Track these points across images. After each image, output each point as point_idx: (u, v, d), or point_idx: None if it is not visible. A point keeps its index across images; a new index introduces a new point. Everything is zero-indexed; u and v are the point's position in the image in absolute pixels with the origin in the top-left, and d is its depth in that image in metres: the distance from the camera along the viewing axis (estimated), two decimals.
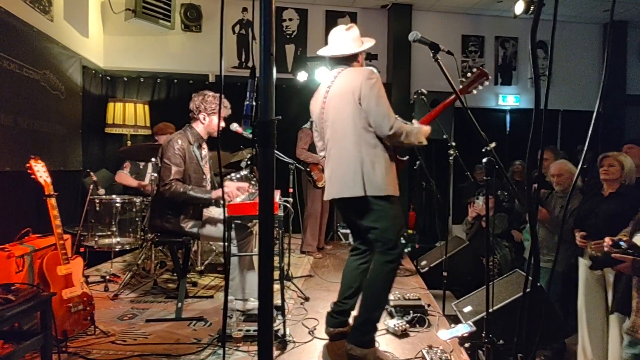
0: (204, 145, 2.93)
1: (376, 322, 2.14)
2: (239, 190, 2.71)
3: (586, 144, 1.05)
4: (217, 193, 2.68)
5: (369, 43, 2.32)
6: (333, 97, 2.22)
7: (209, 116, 2.80)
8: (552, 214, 3.20)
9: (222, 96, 2.77)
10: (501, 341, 2.11)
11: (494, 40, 6.14)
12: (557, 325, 2.72)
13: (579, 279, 2.76)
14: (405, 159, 2.40)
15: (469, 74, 2.23)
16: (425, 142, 2.21)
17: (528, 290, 1.20)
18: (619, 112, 6.08)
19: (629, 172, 2.69)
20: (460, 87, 2.22)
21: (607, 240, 1.87)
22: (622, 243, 1.72)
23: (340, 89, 2.19)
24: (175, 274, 3.57)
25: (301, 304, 2.98)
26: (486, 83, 2.27)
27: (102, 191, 3.58)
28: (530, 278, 1.15)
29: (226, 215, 2.33)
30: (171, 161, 2.66)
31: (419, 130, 2.17)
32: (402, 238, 2.27)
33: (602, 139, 5.54)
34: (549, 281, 2.85)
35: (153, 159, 3.44)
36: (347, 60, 2.27)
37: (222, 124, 2.79)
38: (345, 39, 2.26)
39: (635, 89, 6.21)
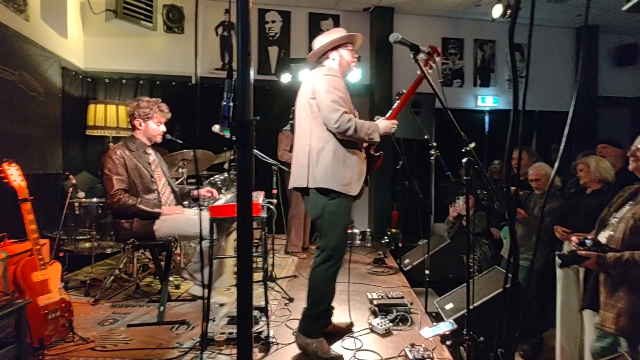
0: (149, 151, 2.91)
1: (319, 315, 2.23)
2: (206, 194, 2.83)
3: (562, 145, 1.04)
4: (167, 209, 2.72)
5: (334, 35, 2.31)
6: (299, 96, 2.35)
7: (145, 122, 2.82)
8: (531, 214, 3.28)
9: (159, 100, 2.87)
10: (481, 338, 2.15)
11: (473, 43, 6.25)
12: (535, 321, 2.79)
13: (557, 275, 2.83)
14: (379, 154, 2.42)
15: (421, 54, 2.12)
16: (377, 139, 2.23)
17: (507, 286, 1.23)
18: (591, 112, 6.28)
19: (595, 170, 2.78)
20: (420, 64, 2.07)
21: (574, 239, 1.94)
22: (587, 241, 1.82)
23: (304, 88, 2.31)
24: (157, 277, 3.52)
25: (285, 304, 2.98)
26: (437, 59, 2.23)
27: (81, 194, 3.51)
28: (509, 276, 1.18)
29: (204, 217, 2.38)
30: (111, 171, 2.66)
31: (374, 128, 2.21)
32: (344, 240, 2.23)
33: (576, 139, 5.73)
34: (526, 278, 2.91)
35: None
36: (319, 59, 2.38)
37: (163, 128, 2.90)
38: (320, 41, 2.35)
39: (606, 90, 6.43)
